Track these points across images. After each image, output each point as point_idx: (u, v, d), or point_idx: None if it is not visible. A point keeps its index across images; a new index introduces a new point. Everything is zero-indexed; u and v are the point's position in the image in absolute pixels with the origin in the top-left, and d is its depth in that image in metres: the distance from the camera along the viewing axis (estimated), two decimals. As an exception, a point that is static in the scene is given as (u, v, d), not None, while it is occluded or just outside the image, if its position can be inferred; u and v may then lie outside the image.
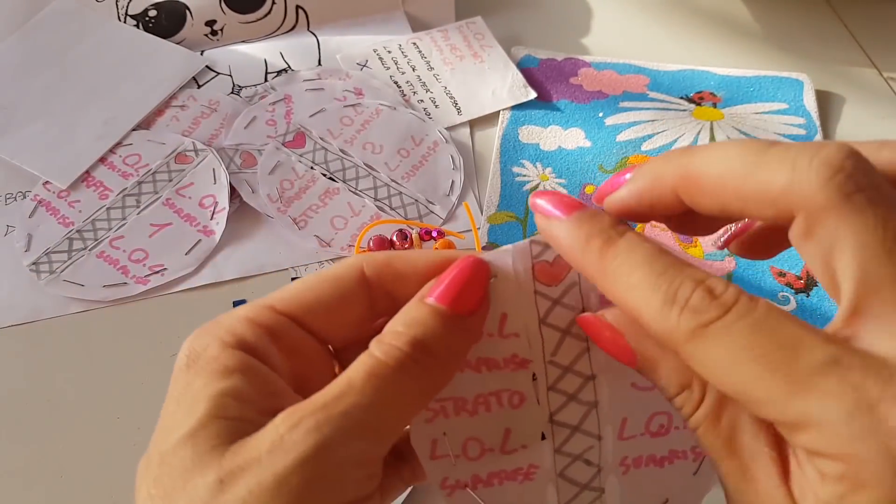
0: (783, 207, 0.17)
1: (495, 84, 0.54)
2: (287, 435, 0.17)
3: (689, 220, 0.21)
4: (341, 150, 0.49)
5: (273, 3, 0.57)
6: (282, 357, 0.20)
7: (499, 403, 0.22)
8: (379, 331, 0.20)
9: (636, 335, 0.19)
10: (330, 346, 0.23)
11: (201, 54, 0.55)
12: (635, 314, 0.18)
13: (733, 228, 0.22)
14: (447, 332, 0.20)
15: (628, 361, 0.20)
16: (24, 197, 0.47)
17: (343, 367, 0.22)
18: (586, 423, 0.22)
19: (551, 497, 0.23)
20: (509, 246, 0.21)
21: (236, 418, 0.18)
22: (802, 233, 0.16)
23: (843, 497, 0.15)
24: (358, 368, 0.19)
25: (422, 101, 0.53)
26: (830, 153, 0.16)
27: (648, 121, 0.52)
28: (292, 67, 0.55)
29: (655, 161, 0.20)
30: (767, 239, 0.21)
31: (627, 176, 0.20)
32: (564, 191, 0.48)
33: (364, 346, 0.20)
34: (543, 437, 0.22)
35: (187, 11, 0.56)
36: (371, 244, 0.44)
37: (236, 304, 0.42)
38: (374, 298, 0.21)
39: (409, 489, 0.35)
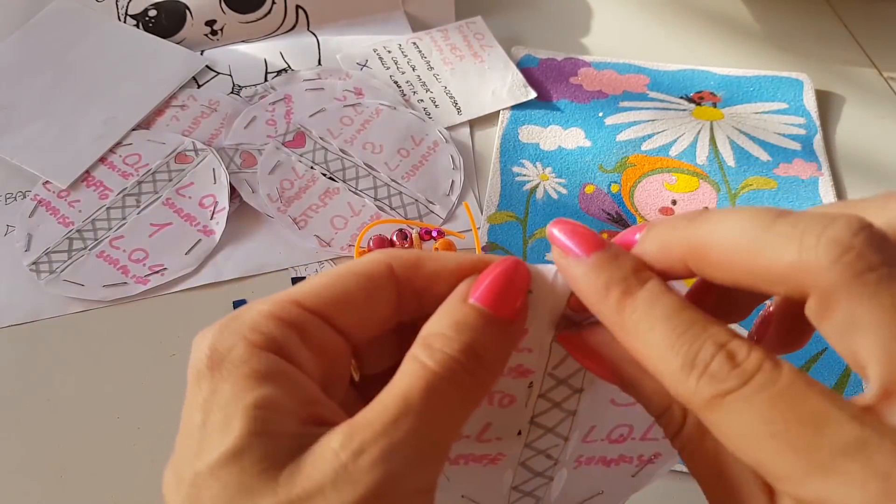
0: (794, 286, 0.16)
1: (495, 84, 0.54)
2: (352, 465, 0.16)
3: (721, 303, 0.20)
4: (341, 150, 0.49)
5: (273, 2, 0.57)
6: (311, 357, 0.19)
7: (489, 402, 0.22)
8: (405, 330, 0.20)
9: (618, 355, 0.19)
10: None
11: (201, 54, 0.55)
12: (654, 373, 0.17)
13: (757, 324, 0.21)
14: (494, 338, 0.19)
15: (609, 380, 0.19)
16: (24, 197, 0.47)
17: (359, 364, 0.21)
18: (560, 426, 0.23)
19: (507, 479, 0.24)
20: (553, 266, 0.20)
21: (280, 434, 0.17)
22: (818, 312, 0.16)
23: None
24: (412, 383, 0.17)
25: (422, 100, 0.53)
26: (838, 230, 0.15)
27: (648, 120, 0.52)
28: (292, 67, 0.55)
29: (663, 227, 0.19)
30: (790, 329, 0.21)
31: (638, 236, 0.19)
32: (564, 191, 0.48)
33: (381, 342, 0.20)
34: (519, 433, 0.23)
35: (187, 11, 0.56)
36: (371, 244, 0.44)
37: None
38: (401, 297, 0.20)
39: None
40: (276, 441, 0.17)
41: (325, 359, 0.19)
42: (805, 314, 0.16)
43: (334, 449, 0.16)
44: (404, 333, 0.21)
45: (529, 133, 0.51)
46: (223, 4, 0.56)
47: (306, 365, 0.18)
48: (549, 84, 0.54)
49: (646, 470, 0.25)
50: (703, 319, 0.17)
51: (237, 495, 0.16)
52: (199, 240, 0.45)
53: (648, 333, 0.17)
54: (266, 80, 0.54)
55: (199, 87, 0.54)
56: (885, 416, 0.15)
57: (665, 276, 0.19)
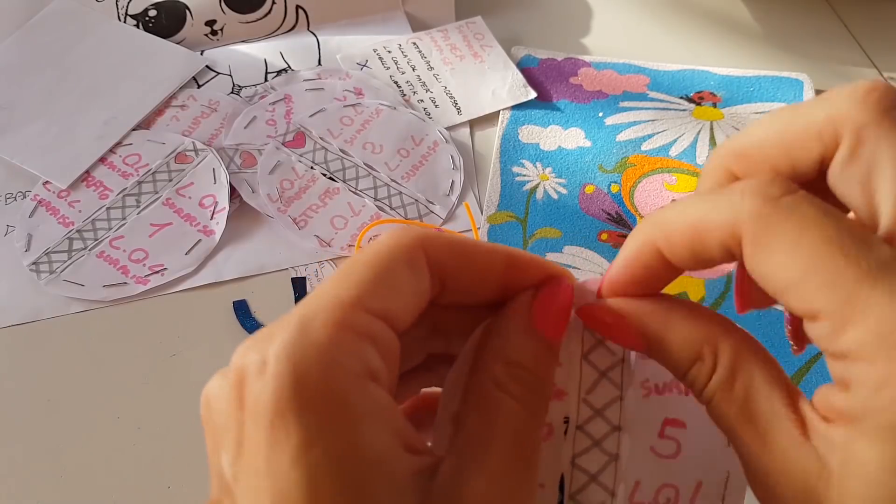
0: (828, 140, 0.16)
1: (495, 84, 0.54)
2: (498, 499, 0.16)
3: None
4: (341, 150, 0.49)
5: (273, 2, 0.57)
6: (383, 368, 0.17)
7: None
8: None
9: (639, 316, 0.19)
10: None
11: (201, 54, 0.55)
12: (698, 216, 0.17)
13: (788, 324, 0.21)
14: (553, 363, 0.19)
15: (634, 344, 0.19)
16: (24, 197, 0.47)
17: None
18: (603, 475, 0.22)
19: None
20: (594, 278, 0.20)
21: (401, 488, 0.15)
22: (846, 158, 0.16)
23: (870, 398, 0.14)
24: (515, 426, 0.17)
25: (422, 100, 0.53)
26: (863, 82, 0.16)
27: (648, 120, 0.52)
28: (292, 67, 0.55)
29: (635, 228, 0.19)
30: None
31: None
32: (564, 191, 0.48)
33: (413, 340, 0.20)
34: (562, 482, 0.22)
35: (187, 11, 0.56)
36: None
37: (236, 304, 0.42)
38: (433, 282, 0.19)
39: None
40: (402, 497, 0.15)
41: (391, 365, 0.17)
42: (830, 174, 0.17)
43: (483, 497, 0.16)
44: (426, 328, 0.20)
45: (529, 133, 0.51)
46: (223, 4, 0.56)
47: (385, 379, 0.17)
48: (549, 84, 0.54)
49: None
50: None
51: None
52: (199, 240, 0.45)
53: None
54: (266, 80, 0.54)
55: (199, 87, 0.54)
56: None
57: (647, 278, 0.19)
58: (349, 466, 0.14)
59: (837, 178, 0.17)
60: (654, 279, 0.19)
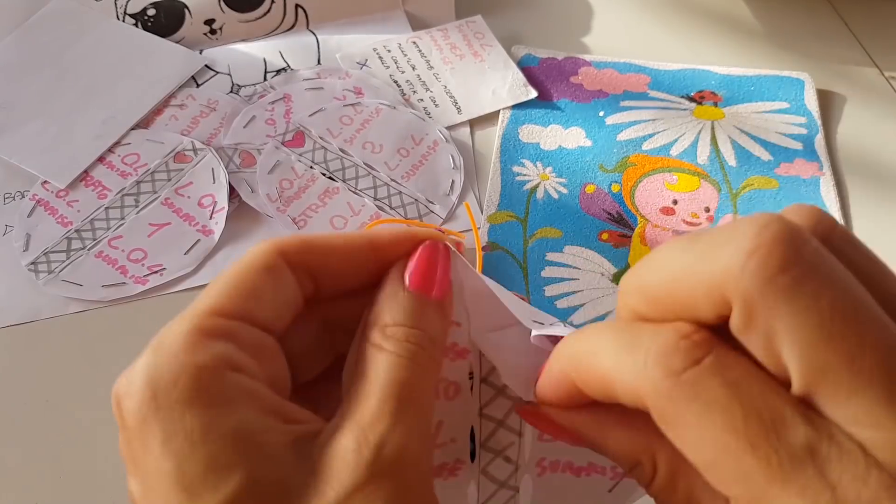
0: (720, 303, 0.15)
1: (495, 83, 0.54)
2: (378, 460, 0.16)
3: None
4: (341, 150, 0.49)
5: (272, 1, 0.56)
6: (252, 362, 0.18)
7: (436, 396, 0.21)
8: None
9: (576, 426, 0.19)
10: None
11: (200, 53, 0.55)
12: (615, 379, 0.17)
13: None
14: (438, 319, 0.20)
15: (573, 443, 0.20)
16: (23, 196, 0.47)
17: (292, 373, 0.20)
18: (510, 418, 0.23)
19: (472, 495, 0.23)
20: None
21: (276, 456, 0.16)
22: (740, 326, 0.15)
23: None
24: (397, 374, 0.18)
25: (422, 100, 0.53)
26: (748, 232, 0.14)
27: (649, 120, 0.51)
28: (291, 66, 0.55)
29: (555, 351, 0.19)
30: None
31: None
32: (565, 190, 0.48)
33: (308, 347, 0.20)
34: (472, 433, 0.22)
35: (186, 10, 0.56)
36: (371, 244, 0.44)
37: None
38: (299, 280, 0.20)
39: None
40: (277, 463, 0.16)
41: (264, 358, 0.18)
42: (732, 331, 0.15)
43: (353, 449, 0.16)
44: (323, 337, 0.21)
45: (530, 132, 0.51)
46: (222, 3, 0.56)
47: (252, 370, 0.18)
48: (549, 83, 0.54)
49: (624, 485, 0.23)
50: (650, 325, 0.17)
51: None
52: (198, 240, 0.45)
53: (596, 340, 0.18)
54: (265, 79, 0.54)
55: (198, 86, 0.53)
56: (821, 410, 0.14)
57: (571, 401, 0.19)
58: (211, 445, 0.16)
59: (741, 340, 0.15)
60: (579, 399, 0.19)
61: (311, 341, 0.21)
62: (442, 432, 0.22)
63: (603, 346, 0.17)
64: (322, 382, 0.21)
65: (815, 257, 0.14)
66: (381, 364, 0.18)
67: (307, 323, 0.21)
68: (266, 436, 0.16)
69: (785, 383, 0.15)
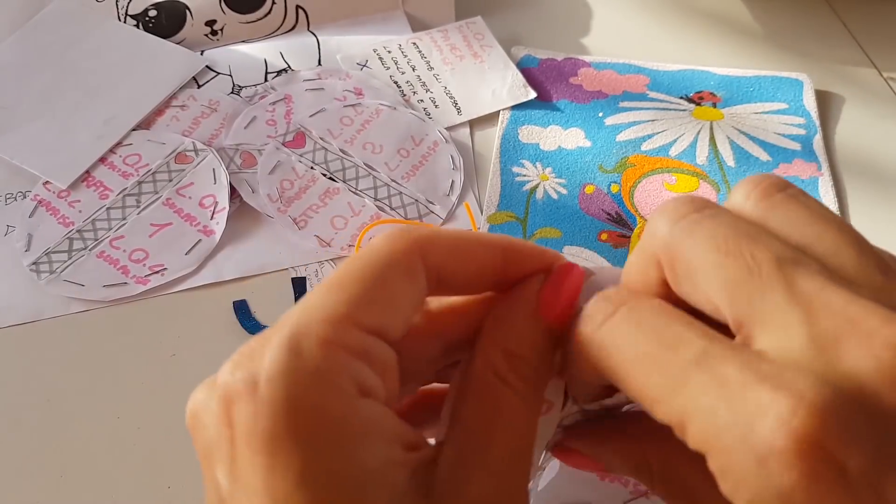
0: (659, 265, 0.17)
1: (495, 84, 0.54)
2: (501, 497, 0.17)
3: None
4: (341, 150, 0.49)
5: (273, 2, 0.57)
6: (378, 383, 0.17)
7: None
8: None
9: (595, 448, 0.21)
10: None
11: (201, 54, 0.55)
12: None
13: None
14: (554, 355, 0.19)
15: (599, 470, 0.22)
16: (25, 197, 0.47)
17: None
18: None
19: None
20: (605, 269, 0.21)
21: (405, 494, 0.16)
22: (671, 276, 0.17)
23: (731, 496, 0.14)
24: (515, 421, 0.18)
25: (422, 101, 0.53)
26: (659, 207, 0.18)
27: (648, 121, 0.52)
28: (292, 67, 0.55)
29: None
30: None
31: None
32: (564, 191, 0.48)
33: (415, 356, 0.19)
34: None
35: (187, 11, 0.56)
36: (371, 244, 0.44)
37: (236, 304, 0.42)
38: (429, 283, 0.19)
39: None
40: (410, 499, 0.16)
41: (386, 377, 0.17)
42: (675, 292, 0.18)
43: (486, 496, 0.16)
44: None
45: (529, 133, 0.51)
46: (223, 4, 0.56)
47: (380, 393, 0.17)
48: (548, 84, 0.54)
49: (638, 503, 0.24)
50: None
51: None
52: (200, 240, 0.45)
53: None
54: (266, 80, 0.54)
55: (199, 87, 0.54)
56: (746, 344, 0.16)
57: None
58: (350, 484, 0.15)
59: (682, 296, 0.17)
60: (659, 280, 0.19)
61: (424, 358, 0.20)
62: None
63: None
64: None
65: (711, 208, 0.17)
66: (505, 405, 0.17)
67: (424, 338, 0.19)
68: (393, 472, 0.16)
69: (720, 318, 0.16)
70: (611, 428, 0.21)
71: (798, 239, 0.16)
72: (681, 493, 0.19)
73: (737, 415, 0.14)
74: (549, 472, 0.24)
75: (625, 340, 0.16)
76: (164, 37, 0.56)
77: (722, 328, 0.16)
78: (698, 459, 0.16)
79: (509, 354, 0.18)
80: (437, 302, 0.20)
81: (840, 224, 0.16)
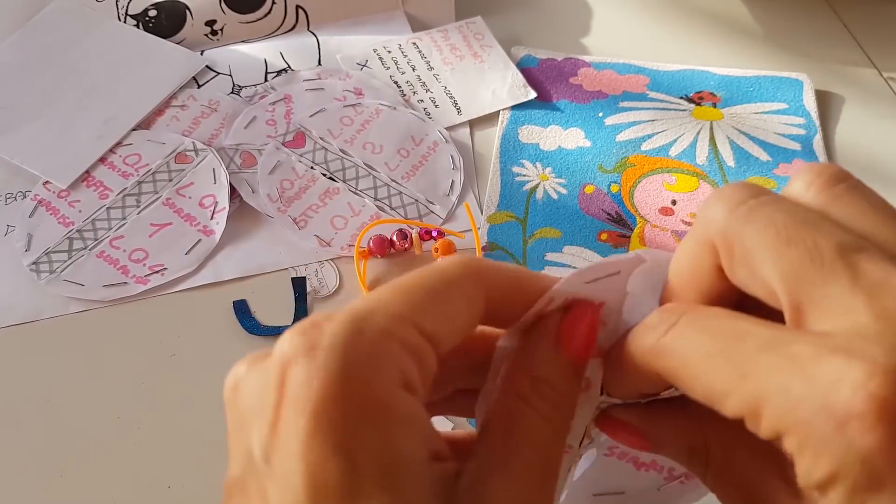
0: (714, 252, 0.18)
1: (495, 84, 0.54)
2: None
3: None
4: (341, 150, 0.49)
5: (273, 2, 0.57)
6: (423, 386, 0.17)
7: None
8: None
9: (638, 415, 0.21)
10: None
11: (201, 54, 0.55)
12: (631, 358, 0.19)
13: None
14: (577, 385, 0.20)
15: (645, 448, 0.21)
16: (25, 197, 0.47)
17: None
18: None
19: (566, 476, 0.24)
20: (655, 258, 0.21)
21: (425, 488, 0.16)
22: (728, 263, 0.17)
23: (810, 471, 0.14)
24: (540, 442, 0.18)
25: (422, 101, 0.53)
26: (716, 193, 0.18)
27: (648, 121, 0.52)
28: (292, 67, 0.55)
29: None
30: None
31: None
32: (564, 191, 0.48)
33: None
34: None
35: (187, 11, 0.56)
36: (371, 244, 0.44)
37: (236, 304, 0.42)
38: (486, 312, 0.19)
39: None
40: (434, 499, 0.16)
41: (426, 383, 0.18)
42: (732, 280, 0.18)
43: None
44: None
45: (529, 133, 0.51)
46: (223, 4, 0.56)
47: (422, 395, 0.17)
48: (548, 84, 0.54)
49: (673, 487, 0.24)
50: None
51: None
52: (200, 240, 0.45)
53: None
54: (266, 80, 0.54)
55: (199, 87, 0.54)
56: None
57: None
58: (385, 463, 0.15)
59: (737, 282, 0.17)
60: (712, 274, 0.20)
61: (449, 372, 0.20)
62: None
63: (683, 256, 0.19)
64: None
65: (768, 196, 0.17)
66: (529, 424, 0.18)
67: (455, 354, 0.20)
68: (423, 469, 0.16)
69: (776, 304, 0.17)
70: (670, 403, 0.20)
71: (860, 228, 0.16)
72: (736, 487, 0.18)
73: (813, 386, 0.14)
74: (584, 461, 0.24)
75: (690, 345, 0.17)
76: (164, 37, 0.56)
77: (777, 318, 0.16)
78: (762, 454, 0.16)
79: (533, 379, 0.19)
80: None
81: None
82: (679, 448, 0.20)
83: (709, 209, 0.18)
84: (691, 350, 0.17)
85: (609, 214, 0.47)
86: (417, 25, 0.58)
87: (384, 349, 0.16)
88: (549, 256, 0.44)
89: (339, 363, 0.15)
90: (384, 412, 0.16)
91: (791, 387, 0.14)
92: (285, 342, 0.17)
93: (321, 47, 0.57)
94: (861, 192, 0.17)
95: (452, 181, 0.48)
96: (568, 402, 0.19)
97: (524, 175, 0.49)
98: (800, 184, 0.18)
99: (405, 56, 0.56)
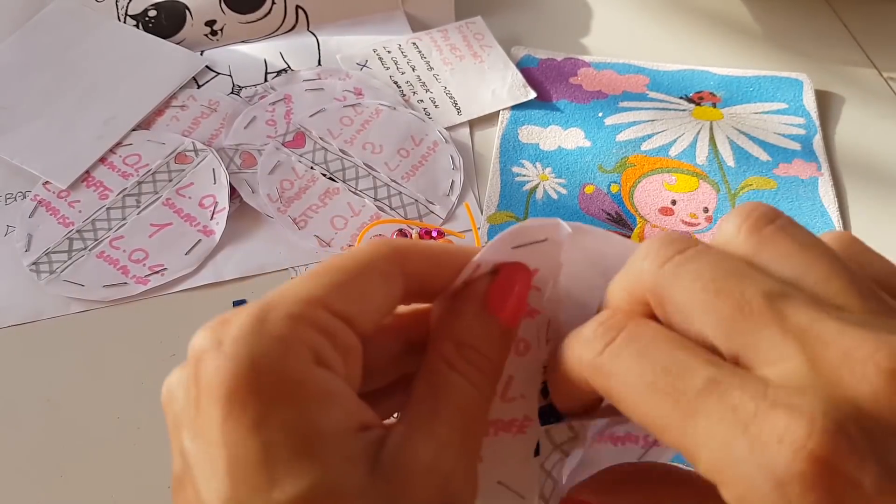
0: (647, 304, 0.18)
1: (495, 84, 0.54)
2: (451, 478, 0.18)
3: None
4: (341, 150, 0.49)
5: (273, 3, 0.57)
6: (339, 361, 0.18)
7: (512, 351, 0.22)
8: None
9: (608, 498, 0.21)
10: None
11: (201, 54, 0.55)
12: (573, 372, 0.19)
13: None
14: (505, 348, 0.20)
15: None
16: (24, 197, 0.47)
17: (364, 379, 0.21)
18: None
19: (535, 455, 0.24)
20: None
21: (354, 457, 0.17)
22: (661, 313, 0.17)
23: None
24: (462, 400, 0.19)
25: (421, 101, 0.53)
26: (641, 247, 0.18)
27: (648, 121, 0.52)
28: (292, 67, 0.55)
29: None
30: None
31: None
32: (564, 191, 0.48)
33: (384, 359, 0.21)
34: (543, 387, 0.23)
35: (187, 11, 0.56)
36: (371, 244, 0.44)
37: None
38: (406, 288, 0.20)
39: None
40: (354, 464, 0.17)
41: (350, 360, 0.19)
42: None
43: (430, 465, 0.17)
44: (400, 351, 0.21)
45: (529, 133, 0.51)
46: (223, 5, 0.56)
47: (340, 370, 0.18)
48: (548, 84, 0.54)
49: (653, 452, 0.25)
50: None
51: None
52: (199, 240, 0.45)
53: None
54: (266, 80, 0.54)
55: (199, 87, 0.54)
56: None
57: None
58: (301, 436, 0.16)
59: (674, 328, 0.17)
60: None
61: (387, 355, 0.21)
62: (512, 388, 0.22)
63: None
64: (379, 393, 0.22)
65: (694, 249, 0.17)
66: (453, 386, 0.19)
67: (388, 336, 0.21)
68: (345, 438, 0.17)
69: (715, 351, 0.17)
70: (622, 476, 0.21)
71: (788, 271, 0.16)
72: None
73: (752, 443, 0.14)
74: (572, 457, 0.24)
75: (628, 369, 0.17)
76: (164, 37, 0.56)
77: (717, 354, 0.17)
78: (714, 495, 0.16)
79: (458, 344, 0.19)
80: (404, 307, 0.21)
81: (828, 254, 0.17)
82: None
83: (636, 265, 0.18)
84: (631, 377, 0.16)
85: (609, 214, 0.47)
86: (417, 25, 0.58)
87: (291, 331, 0.17)
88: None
89: (245, 350, 0.16)
90: (296, 388, 0.16)
91: (730, 441, 0.14)
92: (196, 339, 0.17)
93: (321, 47, 0.57)
94: (789, 231, 0.17)
95: (452, 181, 0.48)
96: (493, 364, 0.20)
97: (524, 175, 0.49)
98: (730, 226, 0.18)
99: (405, 56, 0.56)
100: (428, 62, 0.55)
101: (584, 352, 0.18)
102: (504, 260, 0.20)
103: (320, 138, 0.49)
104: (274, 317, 0.17)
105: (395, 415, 0.22)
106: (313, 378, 0.17)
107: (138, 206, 0.46)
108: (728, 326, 0.16)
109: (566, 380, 0.19)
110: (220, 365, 0.16)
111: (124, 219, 0.46)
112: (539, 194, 0.48)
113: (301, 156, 0.49)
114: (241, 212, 0.47)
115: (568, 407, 0.21)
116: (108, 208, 0.46)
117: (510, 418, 0.23)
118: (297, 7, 0.57)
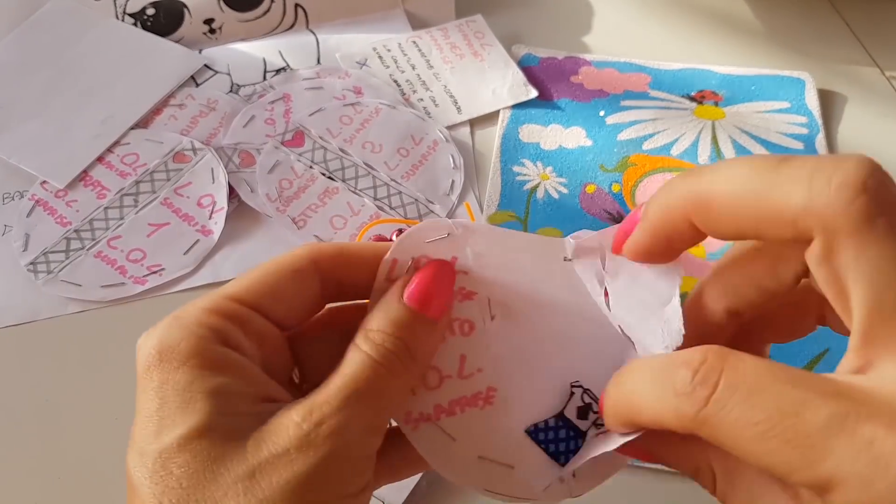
0: (801, 229, 0.16)
1: (495, 83, 0.54)
2: (313, 433, 0.19)
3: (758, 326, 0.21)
4: (340, 150, 0.49)
5: (272, 1, 0.56)
6: (251, 345, 0.21)
7: (451, 333, 0.23)
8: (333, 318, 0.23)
9: (652, 442, 0.21)
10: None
11: (200, 53, 0.55)
12: (658, 419, 0.18)
13: None
14: (424, 334, 0.22)
15: (647, 459, 0.21)
16: (22, 196, 0.47)
17: (293, 349, 0.23)
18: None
19: (515, 421, 0.24)
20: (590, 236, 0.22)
21: (240, 413, 0.19)
22: (820, 256, 0.16)
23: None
24: (359, 370, 0.20)
25: (421, 99, 0.53)
26: (850, 172, 0.15)
27: (650, 119, 0.51)
28: (291, 66, 0.55)
29: (663, 190, 0.20)
30: (794, 315, 0.22)
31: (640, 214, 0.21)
32: (565, 190, 0.47)
33: (312, 328, 0.23)
34: (585, 407, 0.24)
35: (185, 10, 0.56)
36: (370, 244, 0.44)
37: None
38: (325, 285, 0.22)
39: (417, 478, 0.35)
40: (237, 418, 0.19)
41: (265, 346, 0.21)
42: (807, 259, 0.17)
43: (296, 421, 0.19)
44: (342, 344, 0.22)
45: (530, 132, 0.51)
46: (222, 3, 0.56)
47: (249, 351, 0.21)
48: (549, 83, 0.54)
49: None
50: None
51: (208, 462, 0.18)
52: (198, 240, 0.45)
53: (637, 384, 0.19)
54: (265, 78, 0.54)
55: (197, 85, 0.53)
56: (869, 361, 0.15)
57: (671, 243, 0.20)
58: (191, 392, 0.19)
59: (812, 268, 0.17)
60: (677, 246, 0.20)
61: (331, 347, 0.22)
62: (467, 365, 0.24)
63: (742, 173, 0.17)
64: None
65: (723, 377, 0.16)
66: (350, 360, 0.21)
67: (331, 330, 0.23)
68: (237, 399, 0.19)
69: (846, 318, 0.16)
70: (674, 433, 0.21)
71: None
72: (743, 502, 0.18)
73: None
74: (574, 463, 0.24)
75: (737, 419, 0.16)
76: (163, 35, 0.55)
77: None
78: (765, 473, 0.16)
79: (367, 330, 0.21)
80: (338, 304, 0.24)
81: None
82: (684, 467, 0.20)
83: (669, 401, 0.17)
84: (742, 426, 0.16)
85: (610, 214, 0.46)
86: (417, 24, 0.58)
87: (197, 319, 0.20)
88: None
89: (157, 334, 0.20)
90: (193, 359, 0.19)
91: (873, 480, 0.14)
92: (140, 338, 0.21)
93: (320, 46, 0.56)
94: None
95: (452, 180, 0.48)
96: (404, 342, 0.21)
97: (525, 174, 0.48)
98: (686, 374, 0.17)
99: (405, 55, 0.55)
100: (428, 61, 0.55)
101: (683, 406, 0.17)
102: (419, 254, 0.23)
103: (319, 137, 0.49)
104: (189, 309, 0.21)
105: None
106: (212, 353, 0.20)
107: (136, 206, 0.46)
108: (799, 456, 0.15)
109: (651, 422, 0.18)
110: (142, 346, 0.20)
111: (122, 218, 0.45)
112: (540, 194, 0.47)
113: (300, 155, 0.48)
114: (240, 211, 0.46)
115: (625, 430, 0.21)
116: (105, 208, 0.46)
117: (473, 393, 0.24)
118: (297, 5, 0.57)
